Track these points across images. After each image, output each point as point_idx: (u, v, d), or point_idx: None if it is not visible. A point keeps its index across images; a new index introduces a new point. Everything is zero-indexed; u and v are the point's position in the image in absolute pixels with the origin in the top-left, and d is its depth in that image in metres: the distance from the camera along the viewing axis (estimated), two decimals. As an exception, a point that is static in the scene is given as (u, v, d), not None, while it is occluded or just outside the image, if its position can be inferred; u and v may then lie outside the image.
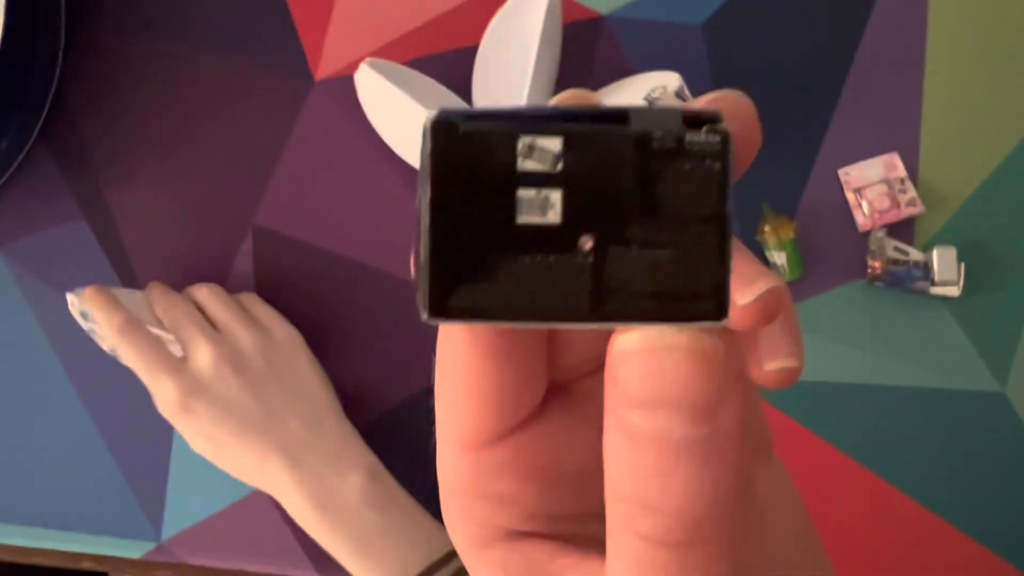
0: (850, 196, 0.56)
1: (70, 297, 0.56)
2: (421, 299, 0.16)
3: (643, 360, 0.16)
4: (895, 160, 0.56)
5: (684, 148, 0.16)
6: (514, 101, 0.54)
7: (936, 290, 0.54)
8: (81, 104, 0.61)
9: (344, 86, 0.59)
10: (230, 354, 0.53)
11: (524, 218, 0.16)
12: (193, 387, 0.52)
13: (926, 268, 0.54)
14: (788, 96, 0.57)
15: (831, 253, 0.56)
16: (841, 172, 0.56)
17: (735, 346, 0.18)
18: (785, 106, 0.57)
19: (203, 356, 0.53)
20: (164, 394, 0.52)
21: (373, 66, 0.55)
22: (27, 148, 0.60)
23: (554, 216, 0.16)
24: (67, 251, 0.61)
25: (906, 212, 0.55)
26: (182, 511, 0.59)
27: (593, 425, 0.20)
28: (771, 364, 0.20)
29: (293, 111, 0.60)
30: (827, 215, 0.56)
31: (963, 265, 0.54)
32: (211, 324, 0.55)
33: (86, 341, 0.60)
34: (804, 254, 0.56)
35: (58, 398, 0.60)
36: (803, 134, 0.57)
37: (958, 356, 0.55)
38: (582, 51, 0.58)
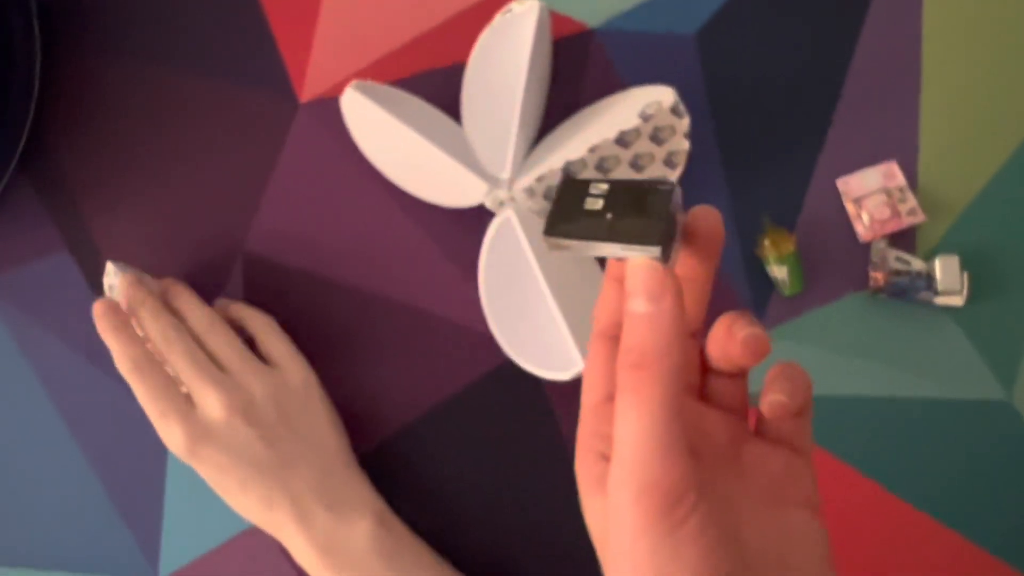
0: (849, 207, 0.55)
1: (110, 266, 0.54)
2: (543, 231, 0.34)
3: (631, 269, 0.33)
4: (894, 169, 0.55)
5: (651, 187, 0.33)
6: (506, 118, 0.53)
7: (940, 300, 0.53)
8: (61, 133, 0.60)
9: (329, 108, 0.58)
10: (242, 404, 0.51)
11: (588, 206, 0.34)
12: (201, 436, 0.50)
13: (929, 278, 0.53)
14: (784, 106, 0.56)
15: (832, 265, 0.55)
16: (840, 182, 0.55)
17: (677, 280, 0.33)
18: (781, 116, 0.56)
19: (213, 406, 0.51)
20: (172, 439, 0.51)
21: (358, 88, 0.54)
22: (6, 179, 0.59)
23: (599, 206, 0.33)
24: (51, 284, 0.59)
25: (907, 221, 0.54)
26: (179, 548, 0.58)
27: None
28: (741, 332, 0.34)
29: (279, 135, 0.58)
30: (827, 227, 0.55)
31: (966, 273, 0.54)
32: (214, 360, 0.53)
33: (76, 375, 0.59)
34: (805, 267, 0.55)
35: (49, 436, 0.59)
36: (800, 144, 0.56)
37: (964, 365, 0.54)
38: (573, 65, 0.57)
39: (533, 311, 0.52)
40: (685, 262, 0.35)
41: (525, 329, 0.53)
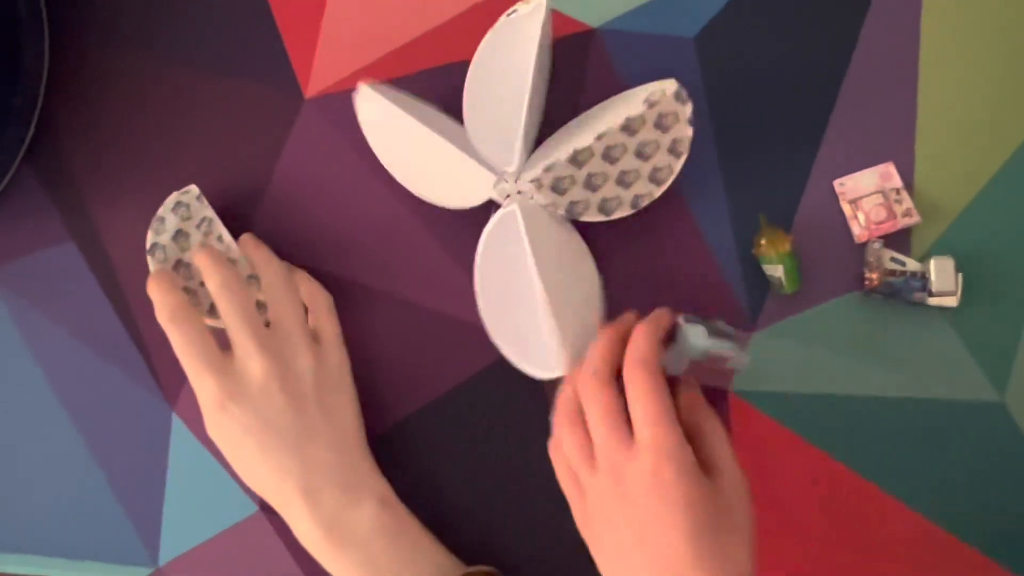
0: (846, 207, 0.55)
1: (175, 196, 0.56)
2: None
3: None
4: (890, 170, 0.55)
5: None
6: (511, 114, 0.53)
7: (934, 301, 0.54)
8: (68, 124, 0.61)
9: (334, 104, 0.59)
10: (282, 371, 0.52)
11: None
12: (235, 392, 0.51)
13: (923, 278, 0.54)
14: (782, 108, 0.56)
15: (828, 265, 0.56)
16: (836, 183, 0.56)
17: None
18: (780, 118, 0.56)
19: (255, 366, 0.52)
20: (204, 391, 0.52)
21: (374, 87, 0.55)
22: (13, 169, 0.59)
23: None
24: (55, 273, 0.60)
25: (902, 222, 0.55)
26: (179, 535, 0.59)
27: None
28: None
29: (283, 129, 0.59)
30: (823, 227, 0.56)
31: (961, 275, 0.54)
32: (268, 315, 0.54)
33: (79, 364, 0.59)
34: (801, 266, 0.56)
35: (51, 423, 0.60)
36: (798, 145, 0.56)
37: (957, 366, 0.55)
38: (574, 65, 0.58)
39: (525, 304, 0.53)
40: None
41: (514, 321, 0.54)
